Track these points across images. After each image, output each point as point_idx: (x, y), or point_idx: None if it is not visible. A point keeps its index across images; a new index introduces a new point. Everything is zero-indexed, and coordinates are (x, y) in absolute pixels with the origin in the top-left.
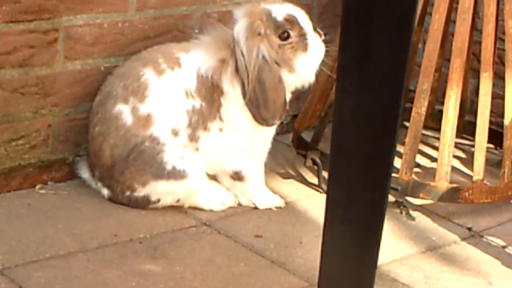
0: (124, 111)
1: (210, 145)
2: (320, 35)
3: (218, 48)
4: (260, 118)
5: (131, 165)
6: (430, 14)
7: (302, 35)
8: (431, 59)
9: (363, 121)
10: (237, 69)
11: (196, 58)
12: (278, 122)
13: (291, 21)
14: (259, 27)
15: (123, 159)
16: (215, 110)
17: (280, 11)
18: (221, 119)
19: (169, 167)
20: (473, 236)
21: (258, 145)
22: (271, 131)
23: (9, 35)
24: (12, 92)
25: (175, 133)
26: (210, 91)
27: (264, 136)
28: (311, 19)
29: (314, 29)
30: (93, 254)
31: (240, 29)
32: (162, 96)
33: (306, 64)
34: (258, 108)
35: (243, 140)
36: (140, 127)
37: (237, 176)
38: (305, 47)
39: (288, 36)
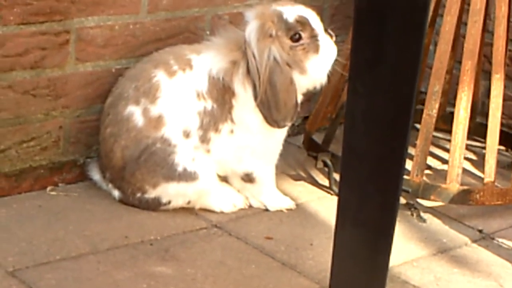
0: (136, 113)
1: (221, 147)
2: (332, 36)
3: (229, 49)
4: (271, 119)
5: (142, 167)
6: (442, 15)
7: (314, 37)
8: (442, 61)
9: (375, 123)
10: (248, 71)
11: (208, 60)
12: (289, 124)
13: (302, 22)
14: (270, 29)
15: (134, 160)
16: (226, 111)
17: (291, 13)
18: (232, 120)
19: (180, 168)
20: (484, 238)
21: (269, 147)
22: (282, 133)
23: (21, 37)
24: (24, 94)
25: (187, 134)
26: (222, 93)
27: (275, 138)
28: (322, 20)
29: (325, 30)
30: (104, 256)
31: (251, 31)
32: (174, 97)
33: (318, 66)
34: (270, 110)
35: (254, 142)
36: (151, 129)
37: (248, 178)
38: (316, 49)
39: (300, 38)
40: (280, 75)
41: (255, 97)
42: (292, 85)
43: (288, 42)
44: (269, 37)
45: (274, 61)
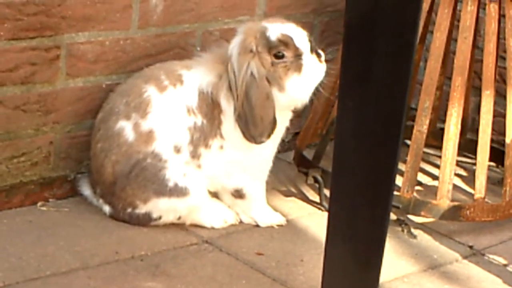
0: (126, 128)
1: (212, 163)
2: (319, 56)
3: (216, 63)
4: (249, 135)
5: (133, 182)
6: (432, 32)
7: (297, 56)
8: (432, 77)
9: (365, 139)
10: (230, 85)
11: (198, 75)
12: (266, 140)
13: (285, 41)
14: (251, 44)
15: (125, 175)
16: (216, 127)
17: (276, 30)
18: (221, 136)
19: (171, 184)
20: (474, 255)
21: (258, 163)
22: (271, 149)
23: (11, 52)
24: (14, 109)
25: (177, 149)
26: (211, 108)
27: (264, 154)
28: (312, 37)
29: (313, 50)
30: (95, 272)
31: (234, 45)
32: (164, 112)
33: (298, 85)
34: (247, 125)
35: (243, 158)
36: (142, 144)
37: (238, 194)
38: (299, 68)
39: (283, 56)
40: (256, 90)
41: (234, 112)
42: (268, 100)
43: (269, 58)
44: (249, 52)
45: (251, 76)
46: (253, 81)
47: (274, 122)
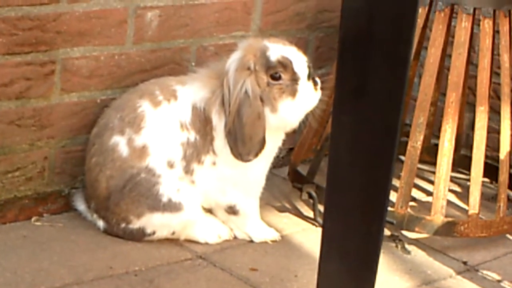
0: (120, 143)
1: (205, 179)
2: (316, 84)
3: (211, 79)
4: (236, 152)
5: (127, 197)
6: (426, 48)
7: (294, 80)
8: (426, 93)
9: (359, 155)
10: (223, 101)
11: (192, 90)
12: (253, 159)
13: (284, 63)
14: (249, 62)
15: (119, 190)
16: (208, 143)
17: (277, 52)
18: (214, 152)
19: (164, 199)
20: (468, 270)
21: (250, 181)
22: (263, 168)
23: (6, 67)
24: (9, 124)
25: (171, 165)
26: (204, 124)
27: (256, 172)
28: (307, 53)
29: (311, 76)
30: (89, 287)
31: (232, 61)
32: (158, 127)
33: (290, 109)
34: (236, 141)
35: (235, 174)
36: (135, 158)
37: (231, 211)
38: (293, 93)
39: (279, 78)
40: (248, 108)
41: (225, 127)
42: (259, 120)
43: (265, 78)
44: (247, 69)
45: (245, 94)
46: (247, 99)
47: (262, 142)
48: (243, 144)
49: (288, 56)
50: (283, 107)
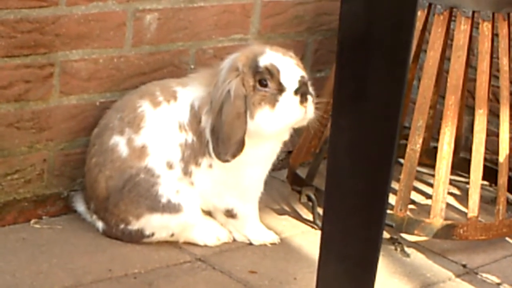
0: (120, 143)
1: (202, 181)
2: (304, 100)
3: (210, 79)
4: (216, 151)
5: (126, 197)
6: (425, 51)
7: (279, 91)
8: (426, 96)
9: (358, 157)
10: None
11: (191, 91)
12: (230, 160)
13: (271, 71)
14: (238, 63)
15: (118, 190)
16: (204, 145)
17: (268, 58)
18: (210, 155)
19: (164, 200)
20: (468, 273)
21: (246, 185)
22: (260, 173)
23: (5, 70)
24: (8, 126)
25: (170, 165)
26: (199, 125)
27: (253, 177)
28: (306, 56)
29: (300, 91)
30: None
31: (227, 62)
32: (157, 128)
33: (267, 119)
34: (217, 140)
35: (230, 178)
36: (135, 159)
37: (229, 214)
38: (273, 103)
39: (267, 85)
40: (228, 107)
41: (210, 126)
42: (239, 121)
43: (252, 81)
44: (235, 70)
45: (227, 93)
46: (228, 98)
47: (241, 144)
48: (223, 143)
49: (277, 65)
50: (260, 115)
